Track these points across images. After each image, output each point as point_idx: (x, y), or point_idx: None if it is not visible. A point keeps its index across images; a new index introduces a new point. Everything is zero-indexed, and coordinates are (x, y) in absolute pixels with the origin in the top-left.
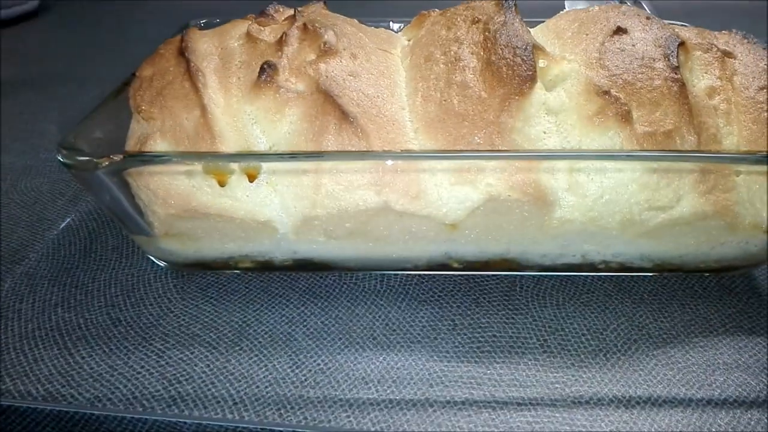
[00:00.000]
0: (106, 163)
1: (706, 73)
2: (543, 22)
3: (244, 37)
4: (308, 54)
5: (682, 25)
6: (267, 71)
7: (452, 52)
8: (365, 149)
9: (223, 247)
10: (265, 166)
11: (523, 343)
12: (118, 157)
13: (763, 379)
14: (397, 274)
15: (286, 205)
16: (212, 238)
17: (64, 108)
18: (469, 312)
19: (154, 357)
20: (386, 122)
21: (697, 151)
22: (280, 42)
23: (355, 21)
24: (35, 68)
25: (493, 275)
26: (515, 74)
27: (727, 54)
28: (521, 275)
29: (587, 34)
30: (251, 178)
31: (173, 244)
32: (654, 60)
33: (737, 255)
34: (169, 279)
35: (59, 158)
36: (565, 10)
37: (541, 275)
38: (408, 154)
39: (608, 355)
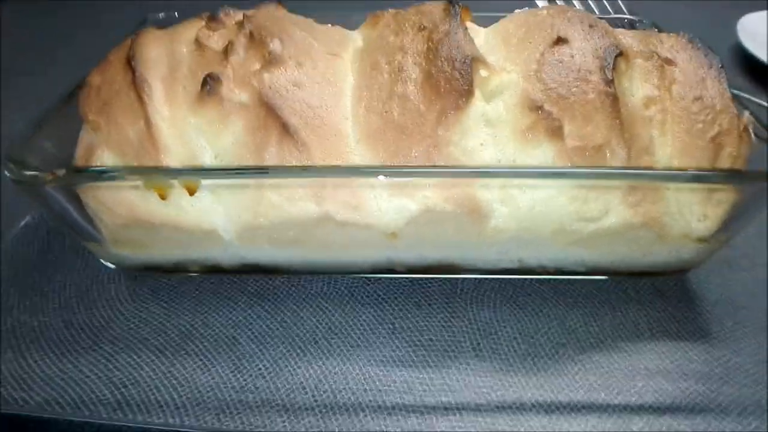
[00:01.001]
0: (50, 178)
1: (645, 81)
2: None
3: (193, 43)
4: (254, 63)
5: (633, 21)
6: (210, 83)
7: (396, 62)
8: (306, 162)
9: (172, 253)
10: (207, 180)
11: (457, 347)
12: (61, 173)
13: (680, 385)
14: (344, 277)
15: (230, 214)
16: (160, 245)
17: (25, 103)
18: (409, 315)
19: (103, 361)
20: (328, 133)
21: (621, 169)
22: (226, 51)
23: (311, 21)
24: None
25: (436, 278)
26: (453, 88)
27: (668, 62)
28: (462, 278)
29: (530, 42)
30: (191, 192)
31: (123, 250)
32: (590, 72)
33: (669, 261)
34: (122, 281)
35: (6, 173)
36: (518, 11)
37: (481, 278)
38: (346, 170)
39: (536, 360)
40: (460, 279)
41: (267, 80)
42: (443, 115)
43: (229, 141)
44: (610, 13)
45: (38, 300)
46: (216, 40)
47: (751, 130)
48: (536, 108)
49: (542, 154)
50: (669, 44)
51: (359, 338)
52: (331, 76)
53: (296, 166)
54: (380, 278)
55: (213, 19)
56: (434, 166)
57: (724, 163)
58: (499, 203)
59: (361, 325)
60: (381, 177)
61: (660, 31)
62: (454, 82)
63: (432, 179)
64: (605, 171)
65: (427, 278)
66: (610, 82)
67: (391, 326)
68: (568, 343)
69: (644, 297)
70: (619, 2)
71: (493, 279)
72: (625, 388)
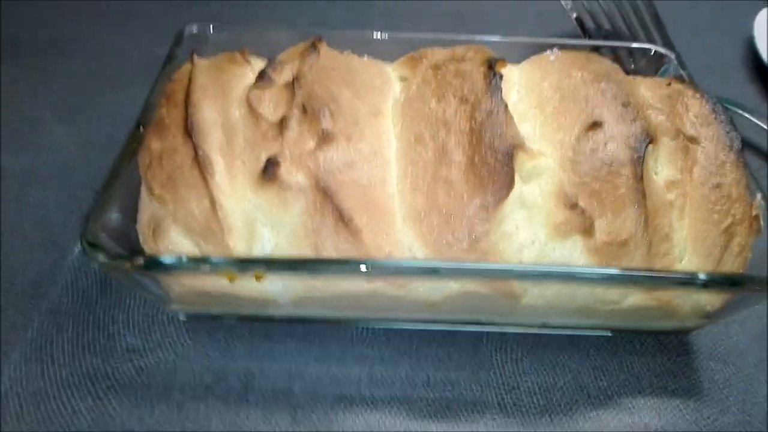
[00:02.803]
0: (128, 267)
1: (669, 162)
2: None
3: (245, 107)
4: (307, 140)
5: (660, 57)
6: (270, 169)
7: (440, 139)
8: (358, 247)
9: (230, 311)
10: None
11: (484, 402)
12: (139, 262)
13: None
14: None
15: (288, 287)
16: (221, 306)
17: (50, 84)
18: (441, 366)
19: (175, 410)
20: (377, 213)
21: (643, 272)
22: (281, 126)
23: (350, 62)
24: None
25: (466, 330)
26: (495, 181)
27: (691, 140)
28: (488, 331)
29: (565, 119)
30: (258, 279)
31: (184, 307)
32: (622, 165)
33: (675, 328)
34: (180, 322)
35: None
36: (551, 57)
37: (504, 331)
38: (396, 267)
39: (552, 416)
40: (485, 331)
41: (322, 162)
42: (485, 206)
43: (287, 223)
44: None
45: (106, 342)
46: (267, 105)
47: (761, 218)
48: (571, 205)
49: (572, 245)
50: (694, 113)
51: (399, 390)
52: (376, 145)
53: (353, 261)
54: (416, 329)
55: (261, 77)
56: (477, 266)
57: (733, 252)
58: (531, 285)
59: (400, 375)
60: (427, 273)
61: (685, 74)
62: (496, 175)
63: (475, 277)
64: (628, 274)
65: (457, 330)
66: (640, 179)
67: (426, 379)
68: (580, 399)
69: (647, 351)
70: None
71: (515, 332)
72: None
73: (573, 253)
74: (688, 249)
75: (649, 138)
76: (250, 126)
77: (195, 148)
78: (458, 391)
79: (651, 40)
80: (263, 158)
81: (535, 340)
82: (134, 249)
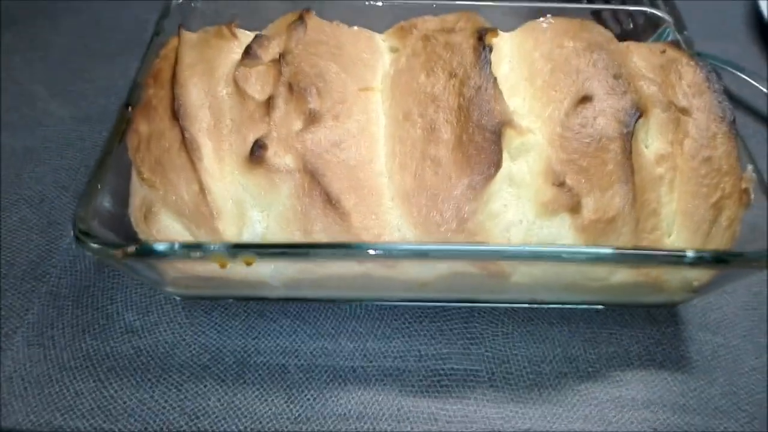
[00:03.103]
0: (120, 255)
1: (659, 135)
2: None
3: (232, 85)
4: (294, 120)
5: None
6: (257, 151)
7: (428, 117)
8: (347, 228)
9: (223, 293)
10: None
11: (475, 377)
12: (131, 250)
13: (660, 416)
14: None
15: (278, 269)
16: (214, 288)
17: (44, 54)
18: (433, 341)
19: (174, 390)
20: (366, 193)
21: (629, 251)
22: (268, 106)
23: (339, 32)
24: None
25: (457, 305)
26: (483, 160)
27: (683, 111)
28: (479, 305)
29: (555, 91)
30: (248, 264)
31: (179, 290)
32: (610, 140)
33: (663, 301)
34: (178, 302)
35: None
36: (544, 24)
37: (495, 306)
38: (387, 251)
39: (541, 390)
40: (477, 306)
41: (309, 144)
42: (472, 186)
43: (276, 205)
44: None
45: (105, 323)
46: (254, 83)
47: (751, 191)
48: (559, 183)
49: (560, 223)
50: (687, 82)
51: (391, 366)
52: (364, 122)
53: (342, 246)
54: (408, 305)
55: (248, 54)
56: (465, 248)
57: (722, 226)
58: (519, 264)
59: (393, 352)
60: (415, 257)
61: (682, 39)
62: (483, 154)
63: (464, 259)
64: (614, 253)
65: (448, 305)
66: (629, 155)
67: (417, 354)
68: (569, 373)
69: (637, 323)
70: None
71: (507, 306)
72: (615, 419)
73: (561, 231)
74: (676, 223)
75: (640, 112)
76: (236, 106)
77: (182, 132)
78: (450, 366)
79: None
80: (251, 140)
81: (526, 315)
82: (127, 233)
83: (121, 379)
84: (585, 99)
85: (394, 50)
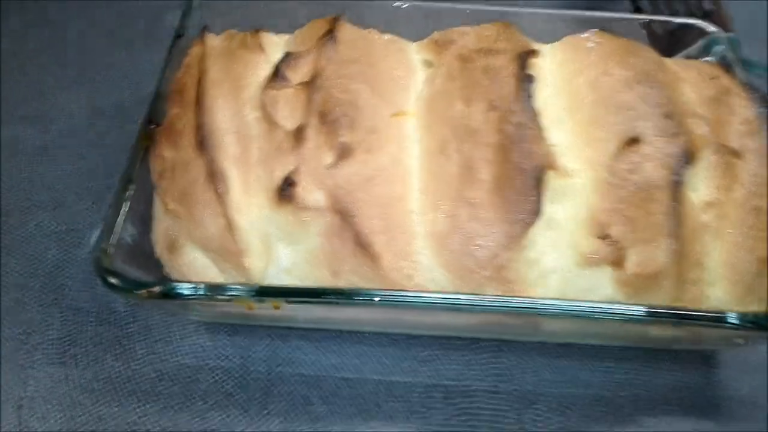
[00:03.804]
0: (145, 295)
1: (708, 180)
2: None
3: (260, 109)
4: (325, 153)
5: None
6: (287, 189)
7: (465, 152)
8: (377, 272)
9: (248, 323)
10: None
11: (503, 418)
12: (157, 290)
13: None
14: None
15: (306, 308)
16: (239, 319)
17: (55, 41)
18: (461, 377)
19: (198, 419)
20: (397, 234)
21: (668, 311)
22: (297, 136)
23: (373, 45)
24: None
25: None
26: (523, 208)
27: (735, 154)
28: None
29: (601, 128)
30: (276, 308)
31: (204, 318)
32: (659, 189)
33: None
34: (201, 324)
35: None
36: (588, 43)
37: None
38: (419, 302)
39: None
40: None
41: (340, 180)
42: (510, 233)
43: (304, 242)
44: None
45: (127, 343)
46: (283, 109)
47: None
48: (602, 235)
49: (600, 274)
50: (740, 120)
51: (417, 403)
52: (397, 153)
53: (373, 294)
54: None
55: (276, 76)
56: (500, 302)
57: (765, 279)
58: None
59: (418, 387)
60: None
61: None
62: (523, 200)
63: (501, 312)
64: (654, 312)
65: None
66: (677, 205)
67: (444, 391)
68: (599, 417)
69: (670, 362)
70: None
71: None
72: None
73: (600, 282)
74: (719, 274)
75: (690, 158)
76: (265, 134)
77: (208, 163)
78: (477, 405)
79: None
80: (279, 173)
81: (557, 350)
82: (148, 259)
83: (143, 405)
84: (633, 141)
85: (427, 65)
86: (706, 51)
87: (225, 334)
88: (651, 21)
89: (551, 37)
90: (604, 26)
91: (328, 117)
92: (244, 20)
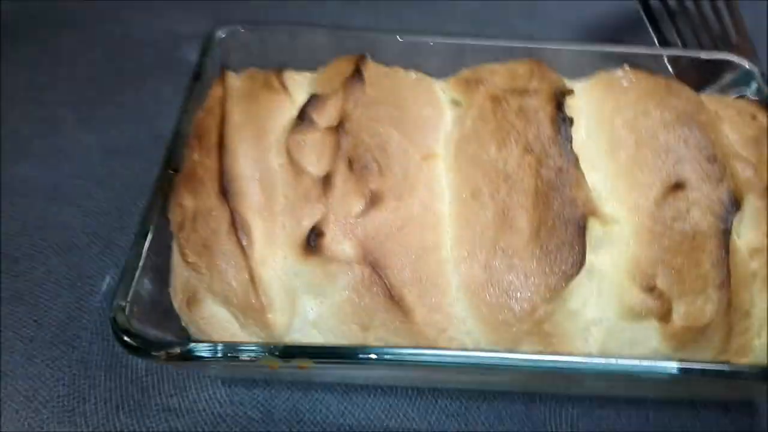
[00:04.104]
0: (164, 358)
1: (754, 225)
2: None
3: (285, 155)
4: (354, 201)
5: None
6: (314, 240)
7: (501, 198)
8: (409, 326)
9: (269, 378)
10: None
11: None
12: (175, 352)
13: None
14: None
15: (332, 367)
16: (259, 374)
17: (69, 75)
18: (492, 430)
19: None
20: (430, 285)
21: (716, 368)
22: (325, 184)
23: (400, 86)
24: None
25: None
26: (564, 258)
27: None
28: None
29: (642, 172)
30: (302, 368)
31: (222, 375)
32: (706, 237)
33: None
34: (218, 378)
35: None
36: (624, 82)
37: None
38: (457, 361)
39: None
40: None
41: (370, 230)
42: (550, 286)
43: (332, 295)
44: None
45: (140, 398)
46: (310, 154)
47: None
48: (648, 287)
49: (645, 327)
50: None
51: None
52: (428, 199)
53: (411, 354)
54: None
55: (302, 119)
56: (538, 362)
57: None
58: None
59: None
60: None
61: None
62: (565, 251)
63: (540, 373)
64: (699, 370)
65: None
66: (725, 254)
67: None
68: None
69: (711, 411)
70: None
71: None
72: None
73: (646, 334)
74: (765, 323)
75: (738, 205)
76: (290, 181)
77: (231, 213)
78: None
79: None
80: (306, 223)
81: (591, 402)
82: (165, 312)
83: None
84: (677, 187)
85: (456, 104)
86: (736, 84)
87: (243, 387)
88: (678, 55)
89: (579, 73)
90: (631, 60)
91: (356, 163)
92: (263, 56)
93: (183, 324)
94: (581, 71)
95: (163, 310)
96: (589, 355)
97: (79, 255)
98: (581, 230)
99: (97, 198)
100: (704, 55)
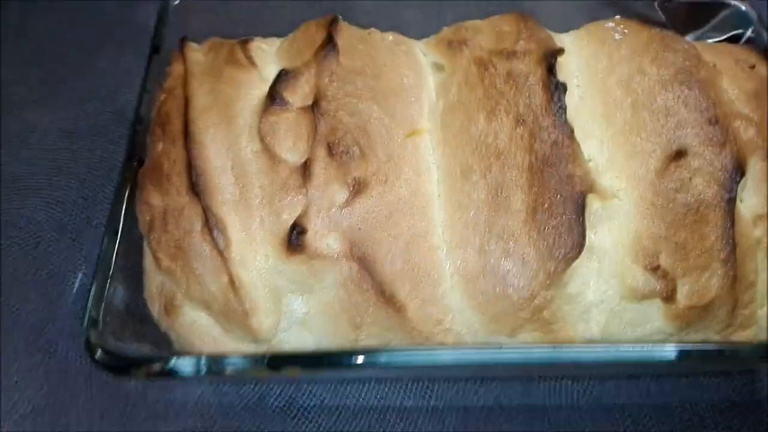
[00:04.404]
0: (144, 374)
1: (757, 189)
2: None
3: (258, 141)
4: (336, 190)
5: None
6: (297, 238)
7: (493, 176)
8: (404, 323)
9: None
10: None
11: None
12: (157, 368)
13: None
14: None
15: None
16: None
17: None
18: (491, 417)
19: None
20: (422, 277)
21: (720, 349)
22: (304, 172)
23: (377, 51)
24: None
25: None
26: (563, 240)
27: None
28: None
29: (641, 138)
30: (293, 375)
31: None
32: (710, 209)
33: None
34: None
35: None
36: (616, 35)
37: None
38: (452, 362)
39: None
40: None
41: (356, 220)
42: (551, 272)
43: (319, 291)
44: None
45: (124, 405)
46: (284, 139)
47: None
48: (652, 266)
49: (648, 306)
50: None
51: None
52: (415, 181)
53: (407, 355)
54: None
55: (274, 100)
56: (536, 352)
57: None
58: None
59: None
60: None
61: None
62: (564, 232)
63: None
64: (703, 351)
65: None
66: (730, 226)
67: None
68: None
69: (712, 384)
70: None
71: None
72: None
73: (649, 314)
74: None
75: (742, 171)
76: (266, 169)
77: (204, 211)
78: None
79: None
80: (286, 216)
81: (591, 378)
82: (142, 319)
83: None
84: (678, 154)
85: (438, 68)
86: (731, 23)
87: (233, 386)
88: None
89: (567, 22)
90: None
91: (336, 148)
92: (225, 22)
93: (162, 329)
94: (570, 20)
95: (139, 316)
96: (588, 342)
97: (45, 250)
98: (580, 209)
99: (61, 186)
100: None
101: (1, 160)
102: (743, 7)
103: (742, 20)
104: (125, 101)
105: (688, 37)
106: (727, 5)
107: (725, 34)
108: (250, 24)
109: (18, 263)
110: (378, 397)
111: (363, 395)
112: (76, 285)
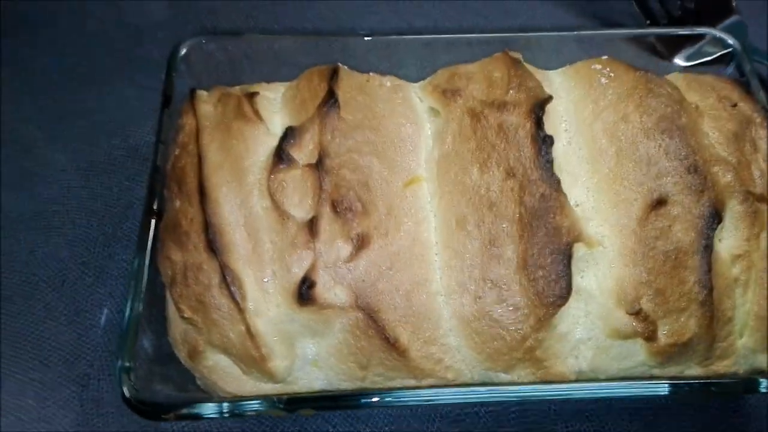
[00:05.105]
0: (171, 418)
1: (735, 230)
2: None
3: (267, 198)
4: (341, 245)
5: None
6: (307, 292)
7: (486, 227)
8: (406, 363)
9: None
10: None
11: None
12: (184, 413)
13: None
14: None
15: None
16: None
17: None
18: None
19: None
20: (423, 319)
21: (701, 381)
22: (311, 229)
23: (376, 101)
24: None
25: None
26: (552, 289)
27: (760, 199)
28: None
29: (624, 186)
30: (307, 416)
31: None
32: (688, 255)
33: None
34: None
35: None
36: (603, 80)
37: None
38: (451, 397)
39: None
40: None
41: (360, 273)
42: (542, 317)
43: (328, 336)
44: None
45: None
46: (292, 196)
47: None
48: (634, 310)
49: (632, 345)
50: (763, 155)
51: None
52: (414, 230)
53: (408, 394)
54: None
55: (281, 158)
56: (530, 391)
57: None
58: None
59: None
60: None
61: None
62: (553, 281)
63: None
64: (684, 385)
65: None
66: (708, 271)
67: None
68: None
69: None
70: None
71: None
72: None
73: (633, 350)
74: (748, 324)
75: (719, 218)
76: (276, 227)
77: (221, 267)
78: None
79: None
80: (295, 270)
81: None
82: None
83: None
84: (659, 203)
85: (434, 113)
86: (714, 45)
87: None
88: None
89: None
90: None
91: (341, 205)
92: (230, 66)
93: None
94: (559, 53)
95: (165, 357)
96: (579, 379)
97: (72, 287)
98: (567, 260)
99: (81, 224)
100: (683, 31)
101: (21, 200)
102: (730, 41)
103: (727, 44)
104: (135, 135)
105: (680, 57)
106: (702, 36)
107: (718, 51)
108: (254, 69)
109: (48, 300)
110: (387, 421)
111: (374, 421)
112: (103, 320)
